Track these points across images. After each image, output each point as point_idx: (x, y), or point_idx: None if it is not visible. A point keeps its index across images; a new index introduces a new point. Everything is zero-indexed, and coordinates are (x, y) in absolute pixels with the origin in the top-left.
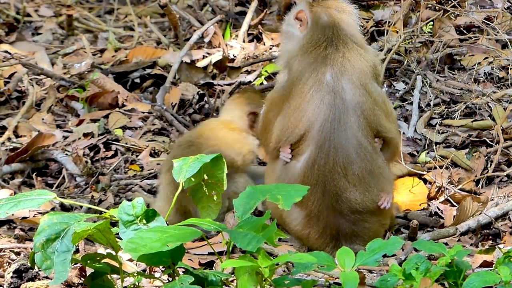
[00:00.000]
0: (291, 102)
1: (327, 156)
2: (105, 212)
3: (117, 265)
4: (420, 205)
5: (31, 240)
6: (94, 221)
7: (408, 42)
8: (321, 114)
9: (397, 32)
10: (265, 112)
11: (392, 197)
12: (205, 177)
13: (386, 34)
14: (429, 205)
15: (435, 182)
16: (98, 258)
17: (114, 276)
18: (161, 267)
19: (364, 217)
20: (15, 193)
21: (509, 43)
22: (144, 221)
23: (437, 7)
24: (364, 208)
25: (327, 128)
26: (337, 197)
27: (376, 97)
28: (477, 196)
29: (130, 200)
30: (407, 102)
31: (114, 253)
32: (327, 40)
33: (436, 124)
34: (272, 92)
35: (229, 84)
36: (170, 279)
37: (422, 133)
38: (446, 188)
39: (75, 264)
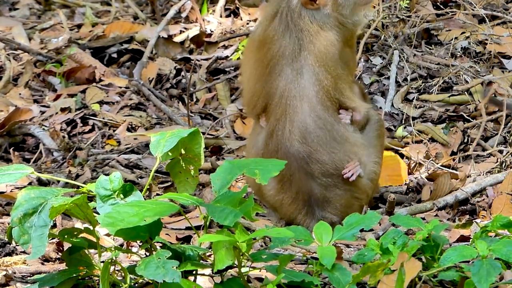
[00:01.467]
0: (257, 67)
1: (284, 128)
2: (82, 187)
3: (94, 239)
4: (404, 181)
5: (8, 215)
6: (72, 196)
7: (385, 17)
8: (279, 88)
9: (374, 7)
10: (241, 66)
11: (377, 178)
12: (183, 151)
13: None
14: (406, 181)
15: (411, 157)
16: (75, 233)
17: (92, 250)
18: (138, 241)
19: (335, 182)
20: None
21: (486, 18)
22: (121, 195)
23: None
24: (335, 170)
25: (284, 103)
26: (305, 160)
27: (340, 71)
28: (454, 172)
29: (107, 174)
30: (384, 77)
31: (91, 227)
32: (287, 8)
33: (413, 99)
34: (246, 45)
35: (206, 59)
36: (148, 253)
37: (399, 108)
38: (421, 164)
39: (52, 238)
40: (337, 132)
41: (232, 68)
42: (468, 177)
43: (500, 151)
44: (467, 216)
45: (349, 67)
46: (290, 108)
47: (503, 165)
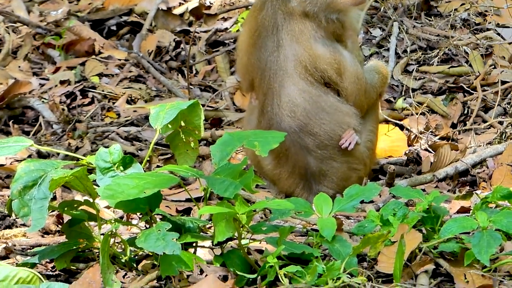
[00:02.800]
0: (246, 41)
1: (272, 103)
2: (82, 159)
3: (94, 212)
4: (404, 152)
5: (8, 187)
6: (71, 168)
7: None
8: (262, 60)
9: None
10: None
11: (374, 147)
12: (182, 123)
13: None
14: (406, 152)
15: (411, 129)
16: (75, 205)
17: (92, 223)
18: (138, 214)
19: (331, 154)
20: None
21: None
22: (121, 167)
23: None
24: (329, 141)
25: (268, 76)
26: (298, 134)
27: (320, 52)
28: (454, 143)
29: (107, 147)
30: (383, 49)
31: (91, 200)
32: None
33: (413, 70)
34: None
35: (206, 31)
36: (148, 226)
37: (399, 80)
38: (421, 136)
39: (52, 211)
40: (326, 103)
41: (232, 40)
42: (469, 147)
43: (500, 122)
44: (468, 188)
45: (334, 51)
46: (275, 82)
47: (503, 136)
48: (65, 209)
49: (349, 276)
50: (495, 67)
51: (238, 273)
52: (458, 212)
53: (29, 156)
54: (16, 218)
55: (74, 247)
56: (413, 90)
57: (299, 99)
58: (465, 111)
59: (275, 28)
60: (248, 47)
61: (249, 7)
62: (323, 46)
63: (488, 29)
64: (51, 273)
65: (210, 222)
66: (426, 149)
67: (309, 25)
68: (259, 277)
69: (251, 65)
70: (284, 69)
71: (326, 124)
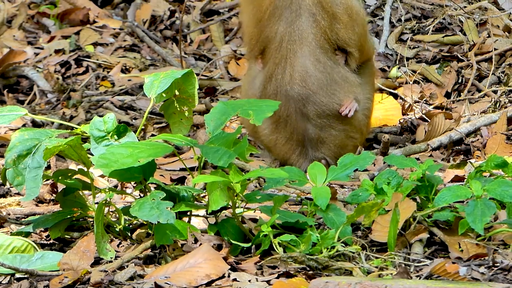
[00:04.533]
0: (255, 12)
1: (284, 71)
2: (76, 128)
3: (88, 181)
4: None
5: (2, 156)
6: (66, 137)
7: None
8: (278, 32)
9: None
10: (240, 13)
11: (370, 115)
12: (177, 92)
13: None
14: (400, 121)
15: (405, 98)
16: (69, 174)
17: (86, 192)
18: (132, 183)
19: (331, 122)
20: None
21: None
22: (115, 137)
23: None
24: (331, 111)
25: (284, 47)
26: (303, 102)
27: (336, 9)
28: (449, 112)
29: (101, 116)
30: (378, 18)
31: (85, 169)
32: None
33: (407, 39)
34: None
35: (200, 0)
36: (142, 195)
37: (393, 49)
38: (415, 105)
39: (46, 180)
40: (337, 74)
41: (226, 9)
42: (463, 116)
43: (494, 91)
44: (462, 156)
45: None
46: (290, 52)
47: (497, 105)
48: (59, 178)
49: (343, 245)
50: (489, 36)
51: (233, 242)
52: (452, 181)
53: (24, 125)
54: (11, 187)
55: (68, 216)
56: (407, 59)
57: (313, 69)
58: (459, 80)
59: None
60: (260, 21)
61: None
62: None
63: None
64: (45, 242)
65: (204, 191)
66: (420, 118)
67: None
68: (253, 246)
69: (264, 37)
70: (303, 37)
71: (335, 95)
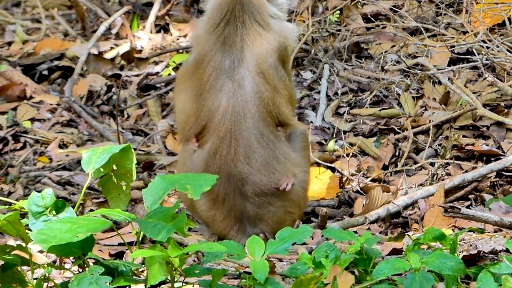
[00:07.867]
0: (193, 88)
1: (229, 147)
2: (14, 204)
3: (27, 256)
4: (336, 194)
5: None
6: (4, 213)
7: (315, 32)
8: (221, 105)
9: (304, 21)
10: (174, 93)
11: (307, 188)
12: (114, 167)
13: (294, 22)
14: (338, 195)
15: (343, 171)
16: (8, 250)
17: (25, 267)
18: (71, 258)
19: (269, 200)
20: None
21: (422, 29)
22: (53, 212)
23: None
24: (270, 190)
25: (228, 119)
26: (242, 181)
27: (277, 83)
28: (386, 185)
29: (39, 191)
30: (314, 91)
31: (24, 244)
32: (225, 19)
33: (344, 112)
34: (180, 71)
35: (137, 75)
36: (81, 270)
37: (330, 122)
38: (353, 178)
39: None
40: (279, 151)
41: (163, 84)
42: (400, 189)
43: (432, 164)
44: (399, 229)
45: (285, 83)
46: (234, 125)
47: (435, 177)
48: None
49: None
50: (426, 109)
51: None
52: (390, 253)
53: None
54: None
55: None
56: (344, 132)
57: (256, 144)
58: (397, 153)
59: (237, 64)
60: (200, 95)
61: (180, 50)
62: (279, 66)
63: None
64: None
65: (143, 265)
66: (357, 191)
67: (272, 39)
68: None
69: (205, 112)
70: (247, 109)
71: (275, 175)
